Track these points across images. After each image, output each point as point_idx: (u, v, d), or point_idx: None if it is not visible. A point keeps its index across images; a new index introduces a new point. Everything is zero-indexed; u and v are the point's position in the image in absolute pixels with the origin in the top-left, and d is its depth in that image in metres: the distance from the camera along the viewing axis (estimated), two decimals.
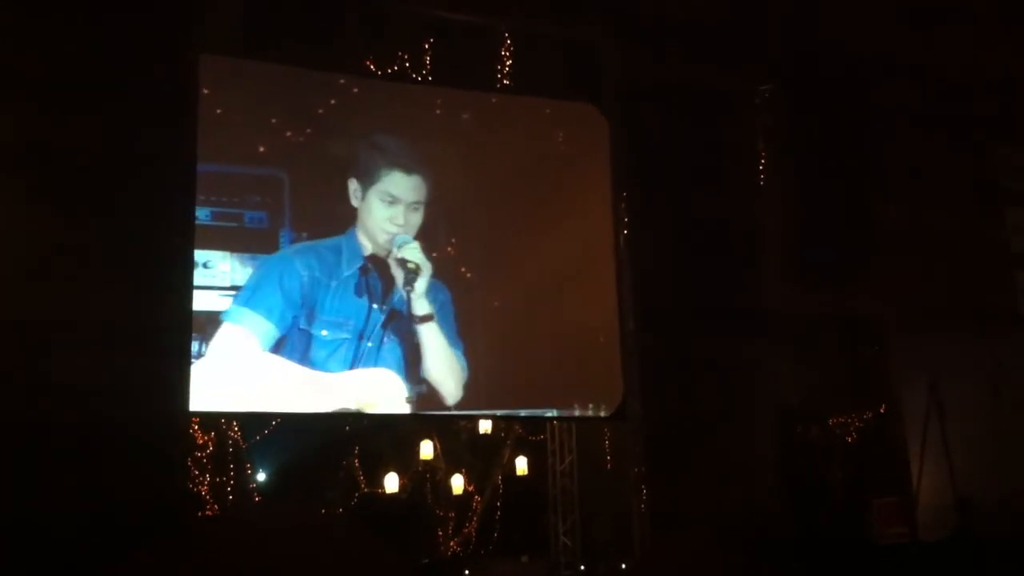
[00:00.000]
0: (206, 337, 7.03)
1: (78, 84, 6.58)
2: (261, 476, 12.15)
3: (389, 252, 7.39)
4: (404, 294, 7.37)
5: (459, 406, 7.75)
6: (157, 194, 6.74)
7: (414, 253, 7.43)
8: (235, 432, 11.25)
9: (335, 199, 7.65)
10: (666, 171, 7.93)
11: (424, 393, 7.56)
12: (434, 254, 7.67)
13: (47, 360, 6.15)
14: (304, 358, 7.20)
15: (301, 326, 7.23)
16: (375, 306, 7.42)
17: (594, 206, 8.35)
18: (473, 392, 7.71)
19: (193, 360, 6.91)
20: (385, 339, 7.40)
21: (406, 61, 8.44)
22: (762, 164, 8.59)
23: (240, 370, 7.10)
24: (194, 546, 2.97)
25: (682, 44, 8.06)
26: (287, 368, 7.16)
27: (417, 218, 7.58)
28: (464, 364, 7.68)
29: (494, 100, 8.56)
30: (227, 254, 7.32)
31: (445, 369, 7.59)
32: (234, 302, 7.15)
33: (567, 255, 8.21)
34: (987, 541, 7.09)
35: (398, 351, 7.45)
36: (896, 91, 8.72)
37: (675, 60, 8.06)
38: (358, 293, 7.43)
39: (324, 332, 7.27)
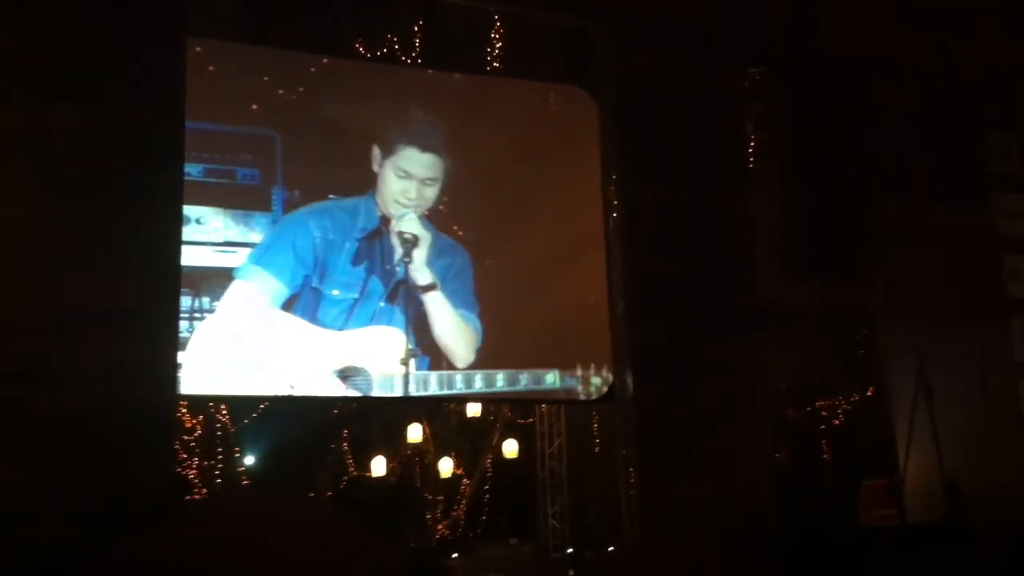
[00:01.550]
0: (199, 292, 7.06)
1: (63, 66, 6.51)
2: (249, 460, 12.15)
3: (394, 227, 7.48)
4: (403, 265, 7.43)
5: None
6: (144, 173, 6.68)
7: (411, 224, 7.48)
8: (223, 416, 11.26)
9: (328, 159, 7.67)
10: (661, 161, 7.90)
11: (433, 354, 7.57)
12: (425, 212, 7.68)
13: (29, 344, 6.09)
14: (314, 317, 7.26)
15: (313, 285, 7.29)
16: (387, 267, 7.48)
17: (585, 190, 8.34)
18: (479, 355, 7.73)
19: (183, 316, 6.92)
20: (396, 301, 7.44)
21: (395, 44, 8.40)
22: (751, 148, 8.58)
23: (247, 326, 7.11)
24: (183, 535, 2.97)
25: (678, 35, 8.03)
26: (295, 325, 7.20)
27: (432, 192, 7.65)
28: (478, 326, 7.70)
29: (487, 69, 8.60)
30: (219, 210, 7.28)
31: (454, 335, 7.61)
32: (247, 259, 7.20)
33: (557, 237, 8.20)
34: (975, 526, 7.13)
35: (408, 315, 7.49)
36: (889, 81, 8.71)
37: (671, 51, 8.02)
38: (370, 255, 7.48)
39: (335, 292, 7.33)
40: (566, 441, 10.81)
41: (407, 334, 7.44)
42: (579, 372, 7.94)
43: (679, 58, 8.01)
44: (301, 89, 7.70)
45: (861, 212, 8.65)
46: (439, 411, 12.18)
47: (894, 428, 8.29)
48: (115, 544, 2.96)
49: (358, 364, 7.34)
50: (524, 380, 7.79)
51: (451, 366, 7.61)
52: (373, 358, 7.35)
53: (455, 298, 7.67)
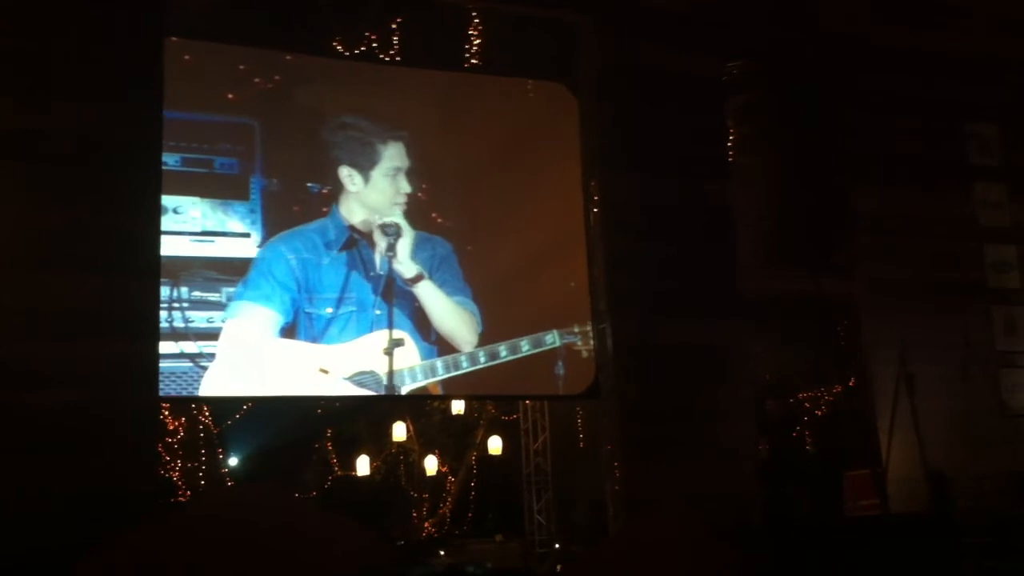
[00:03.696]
0: (177, 282, 7.04)
1: (41, 64, 6.45)
2: (233, 461, 12.12)
3: (375, 224, 7.48)
4: (387, 259, 7.43)
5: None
6: (125, 181, 6.64)
7: (398, 219, 7.50)
8: (206, 417, 11.21)
9: (306, 147, 7.64)
10: (642, 154, 7.90)
11: (441, 345, 7.62)
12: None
13: (9, 346, 6.05)
14: (318, 338, 7.28)
15: (306, 309, 7.29)
16: (372, 274, 7.48)
17: (566, 186, 8.33)
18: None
19: (163, 306, 6.90)
20: (393, 305, 7.44)
21: (374, 41, 8.36)
22: (734, 140, 8.59)
23: (249, 359, 7.13)
24: (174, 533, 2.95)
25: (660, 29, 8.04)
26: (297, 348, 7.22)
27: (408, 182, 7.73)
28: (474, 309, 7.74)
29: (466, 66, 8.60)
30: (197, 199, 7.27)
31: (454, 321, 7.66)
32: (233, 299, 7.18)
33: (539, 232, 8.19)
34: (957, 514, 7.17)
35: (407, 313, 7.52)
36: (870, 72, 8.74)
37: (652, 45, 8.02)
38: (352, 266, 7.48)
39: (328, 310, 7.34)
40: (550, 437, 10.81)
41: (415, 335, 7.49)
42: (576, 328, 7.97)
43: (661, 52, 8.01)
44: (277, 77, 7.68)
45: (844, 203, 8.69)
46: (423, 409, 12.16)
47: (876, 418, 8.33)
48: (101, 544, 2.94)
49: (366, 369, 7.36)
50: (526, 346, 7.81)
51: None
52: (377, 361, 7.36)
53: (446, 286, 7.67)
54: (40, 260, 6.22)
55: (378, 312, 7.41)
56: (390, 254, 7.42)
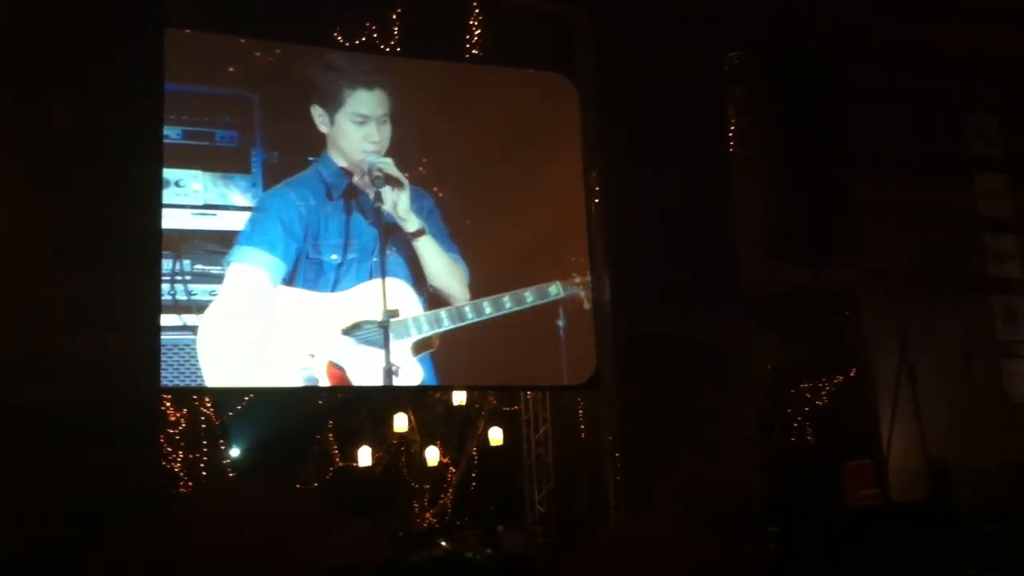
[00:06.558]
0: (179, 255, 7.05)
1: (36, 50, 6.43)
2: (235, 452, 12.12)
3: (364, 172, 7.44)
4: (376, 208, 7.41)
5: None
6: (125, 169, 6.62)
7: (389, 169, 7.48)
8: (208, 408, 11.21)
9: (306, 120, 7.61)
10: (643, 147, 7.88)
11: (435, 297, 7.64)
12: (406, 174, 7.66)
13: (7, 340, 6.05)
14: (319, 285, 7.28)
15: (311, 255, 7.30)
16: (370, 220, 7.47)
17: (568, 176, 8.31)
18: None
19: (165, 278, 6.90)
20: (389, 252, 7.44)
21: (374, 32, 8.35)
22: (733, 133, 8.57)
23: (252, 306, 7.12)
24: (166, 529, 2.95)
25: (659, 21, 8.02)
26: (299, 296, 7.22)
27: (387, 131, 7.63)
28: (463, 264, 7.75)
29: (466, 57, 8.59)
30: (199, 172, 7.26)
31: (447, 275, 7.66)
32: (237, 242, 7.19)
33: (539, 221, 8.18)
34: (958, 503, 7.17)
35: (402, 262, 7.53)
36: (868, 63, 8.71)
37: (652, 37, 8.00)
38: (353, 212, 7.47)
39: (334, 256, 7.35)
40: (552, 428, 10.80)
41: (410, 283, 7.52)
42: (577, 279, 7.98)
43: (661, 44, 7.99)
44: (278, 51, 7.67)
45: (843, 194, 8.67)
46: (424, 400, 12.16)
47: (878, 409, 8.32)
48: (102, 541, 2.94)
49: (364, 319, 7.34)
50: (530, 297, 7.83)
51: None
52: (375, 311, 7.32)
53: (437, 238, 7.70)
54: (38, 254, 6.21)
55: (375, 259, 7.42)
56: (378, 203, 7.38)
